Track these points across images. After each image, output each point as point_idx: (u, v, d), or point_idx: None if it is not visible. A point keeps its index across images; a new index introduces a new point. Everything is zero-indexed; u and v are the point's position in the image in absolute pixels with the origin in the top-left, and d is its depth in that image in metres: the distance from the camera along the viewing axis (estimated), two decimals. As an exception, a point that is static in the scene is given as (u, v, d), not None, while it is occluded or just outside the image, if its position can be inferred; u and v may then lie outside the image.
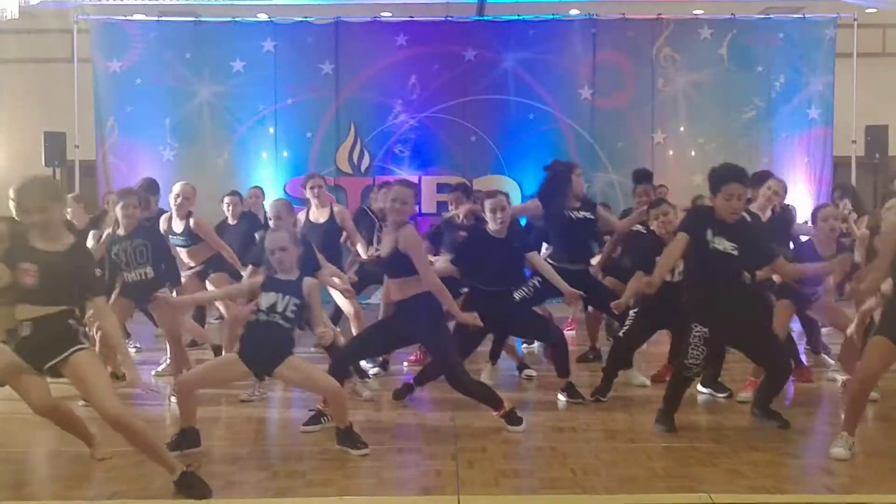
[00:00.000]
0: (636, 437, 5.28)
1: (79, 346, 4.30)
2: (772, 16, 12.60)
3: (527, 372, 7.17)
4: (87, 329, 4.69)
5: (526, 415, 5.56)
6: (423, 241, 5.96)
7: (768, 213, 6.96)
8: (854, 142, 12.30)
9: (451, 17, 12.46)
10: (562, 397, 6.28)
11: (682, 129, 12.57)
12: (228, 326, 7.08)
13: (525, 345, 8.27)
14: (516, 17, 12.47)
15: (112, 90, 12.35)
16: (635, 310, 6.32)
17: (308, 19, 12.42)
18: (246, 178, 11.66)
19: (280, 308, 4.83)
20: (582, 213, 6.84)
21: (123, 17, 12.35)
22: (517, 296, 6.39)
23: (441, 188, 11.83)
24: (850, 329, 6.01)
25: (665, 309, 6.00)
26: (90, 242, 6.84)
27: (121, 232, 6.37)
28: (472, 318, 5.49)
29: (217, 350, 7.32)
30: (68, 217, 6.77)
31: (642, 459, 4.83)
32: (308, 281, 5.03)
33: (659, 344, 7.23)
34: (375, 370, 7.20)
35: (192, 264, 7.79)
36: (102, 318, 4.54)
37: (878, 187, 12.56)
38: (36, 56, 13.18)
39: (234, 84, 12.37)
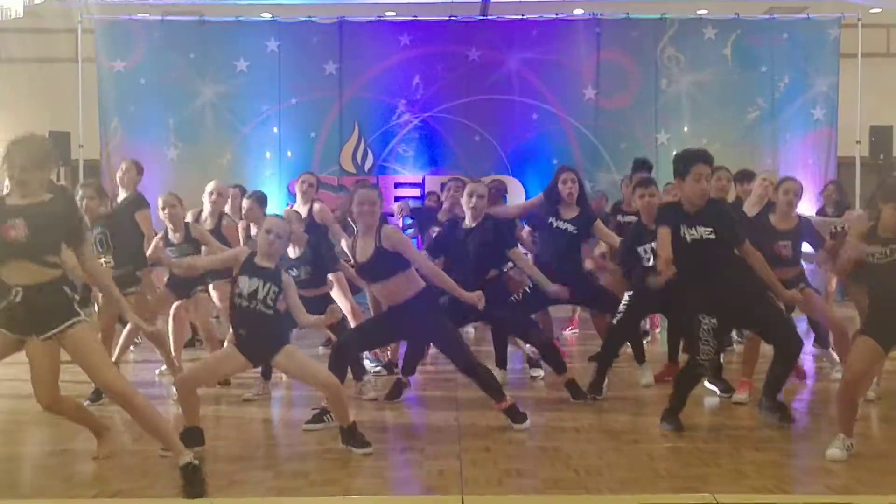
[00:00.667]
0: (640, 438, 5.28)
1: (76, 319, 4.25)
2: (776, 16, 12.59)
3: (533, 372, 7.15)
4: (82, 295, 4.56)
5: (530, 415, 5.56)
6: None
7: (755, 210, 6.76)
8: (858, 142, 12.26)
9: (455, 16, 12.46)
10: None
11: (685, 129, 12.55)
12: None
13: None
14: (520, 17, 12.47)
15: (116, 90, 12.39)
16: (626, 300, 6.34)
17: (312, 19, 12.44)
18: (249, 178, 11.64)
19: (261, 295, 4.82)
20: (565, 225, 6.57)
21: (128, 17, 12.37)
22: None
23: (444, 188, 11.82)
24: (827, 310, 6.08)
25: (657, 293, 5.90)
26: None
27: None
28: (478, 297, 5.46)
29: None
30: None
31: (646, 460, 4.83)
32: (286, 276, 5.03)
33: (659, 344, 7.22)
34: (378, 368, 7.21)
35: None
36: (92, 264, 4.47)
37: (883, 188, 12.51)
38: (40, 55, 13.20)
39: (238, 84, 12.41)
